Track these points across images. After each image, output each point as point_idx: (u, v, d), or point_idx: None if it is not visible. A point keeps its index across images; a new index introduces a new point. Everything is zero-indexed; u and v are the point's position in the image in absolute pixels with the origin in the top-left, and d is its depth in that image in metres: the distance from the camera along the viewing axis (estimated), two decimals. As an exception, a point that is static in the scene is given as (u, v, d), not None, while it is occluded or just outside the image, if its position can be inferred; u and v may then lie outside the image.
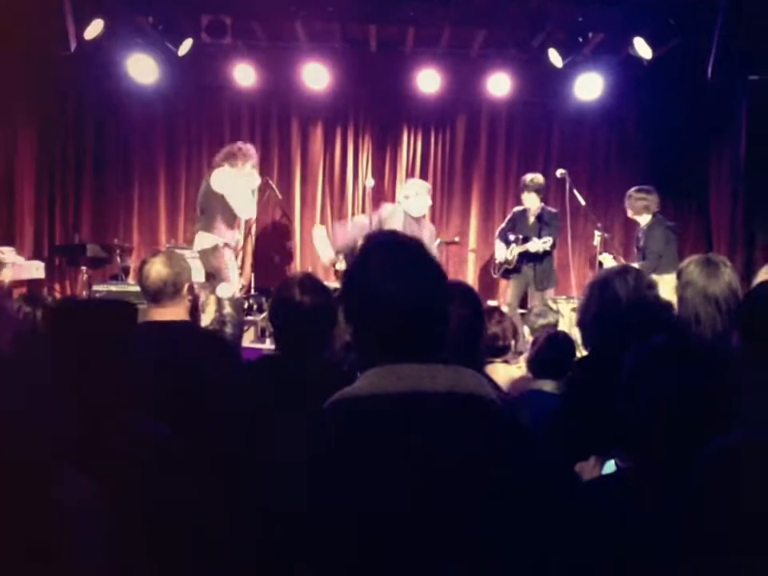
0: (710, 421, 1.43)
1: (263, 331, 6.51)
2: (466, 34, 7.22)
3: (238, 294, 5.82)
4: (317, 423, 1.22)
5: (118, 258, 7.28)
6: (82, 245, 7.17)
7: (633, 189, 5.96)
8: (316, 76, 7.25)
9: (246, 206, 5.76)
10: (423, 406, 1.17)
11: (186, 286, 2.76)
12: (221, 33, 6.51)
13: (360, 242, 1.41)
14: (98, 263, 7.33)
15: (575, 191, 6.54)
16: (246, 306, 6.57)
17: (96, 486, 1.19)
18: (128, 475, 1.47)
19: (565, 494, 1.23)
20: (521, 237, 6.52)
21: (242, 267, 7.30)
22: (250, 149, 5.91)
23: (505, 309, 5.67)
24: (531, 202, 6.51)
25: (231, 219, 5.76)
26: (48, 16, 5.50)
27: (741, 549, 1.26)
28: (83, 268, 7.02)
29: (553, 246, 6.36)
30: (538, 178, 6.49)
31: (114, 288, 6.74)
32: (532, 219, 6.58)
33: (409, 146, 8.26)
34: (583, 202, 6.62)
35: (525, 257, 6.48)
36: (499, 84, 7.43)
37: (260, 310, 6.87)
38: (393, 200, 8.01)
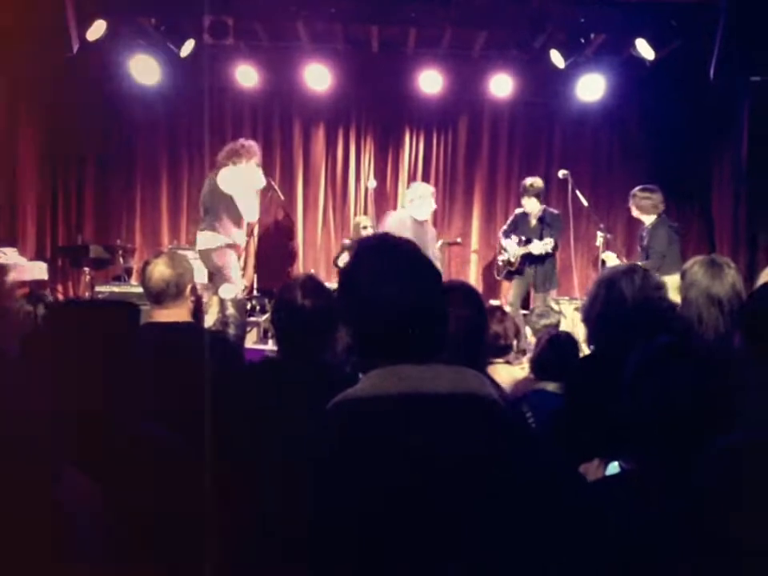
0: (713, 421, 1.43)
1: (266, 332, 6.51)
2: (468, 34, 7.22)
3: (240, 295, 5.80)
4: (320, 425, 1.22)
5: (121, 259, 7.29)
6: (84, 246, 7.18)
7: (637, 188, 5.95)
8: (318, 77, 7.26)
9: (252, 208, 5.74)
10: (425, 407, 1.17)
11: (189, 287, 2.76)
12: (223, 34, 6.52)
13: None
14: (101, 264, 7.33)
15: (577, 192, 6.54)
16: (248, 307, 6.58)
17: (96, 486, 1.19)
18: (128, 477, 1.47)
19: (568, 494, 1.23)
20: (523, 239, 6.52)
21: (244, 268, 7.30)
22: (253, 145, 5.86)
23: (507, 309, 5.67)
24: (531, 206, 6.51)
25: (237, 218, 5.71)
26: (50, 17, 5.50)
27: (743, 549, 1.26)
28: (86, 269, 7.03)
29: (554, 248, 6.36)
30: (538, 182, 6.48)
31: (116, 289, 6.75)
32: (534, 222, 6.58)
33: (411, 147, 8.26)
34: (585, 203, 6.61)
35: (527, 258, 6.48)
36: (501, 85, 7.43)
37: (263, 311, 6.88)
38: (395, 200, 8.03)
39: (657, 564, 1.35)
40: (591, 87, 7.25)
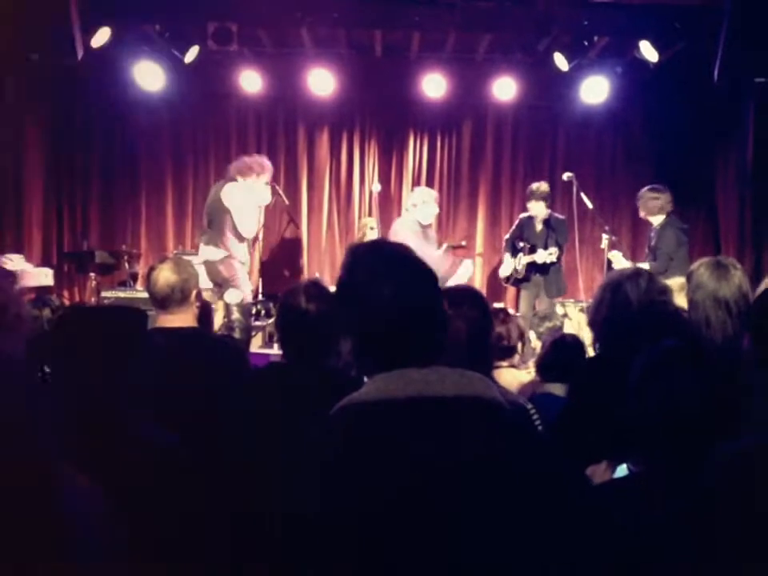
0: (720, 424, 1.42)
1: (271, 337, 6.51)
2: (472, 38, 7.22)
3: (246, 300, 5.80)
4: (325, 428, 1.21)
5: (126, 265, 7.31)
6: (90, 251, 7.20)
7: (645, 188, 5.90)
8: (322, 82, 7.27)
9: (249, 225, 5.69)
10: (431, 411, 1.17)
11: (194, 292, 2.77)
12: (227, 40, 6.55)
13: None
14: (107, 270, 7.35)
15: (582, 194, 6.53)
16: (253, 311, 6.58)
17: (98, 488, 1.19)
18: (132, 479, 1.47)
19: (574, 497, 1.22)
20: (528, 246, 6.50)
21: (249, 273, 7.30)
22: (267, 164, 5.83)
23: (520, 322, 5.64)
24: (538, 210, 6.49)
25: (241, 233, 5.68)
26: (55, 24, 5.53)
27: (752, 553, 1.25)
28: (91, 275, 7.04)
29: (559, 256, 6.35)
30: (544, 186, 6.47)
31: (122, 294, 6.76)
32: (539, 226, 6.56)
33: (415, 151, 8.26)
34: (590, 206, 6.60)
35: (533, 267, 6.47)
36: (505, 88, 7.43)
37: (268, 316, 6.88)
38: (399, 204, 8.03)
39: (662, 566, 1.35)
40: (595, 90, 7.24)
